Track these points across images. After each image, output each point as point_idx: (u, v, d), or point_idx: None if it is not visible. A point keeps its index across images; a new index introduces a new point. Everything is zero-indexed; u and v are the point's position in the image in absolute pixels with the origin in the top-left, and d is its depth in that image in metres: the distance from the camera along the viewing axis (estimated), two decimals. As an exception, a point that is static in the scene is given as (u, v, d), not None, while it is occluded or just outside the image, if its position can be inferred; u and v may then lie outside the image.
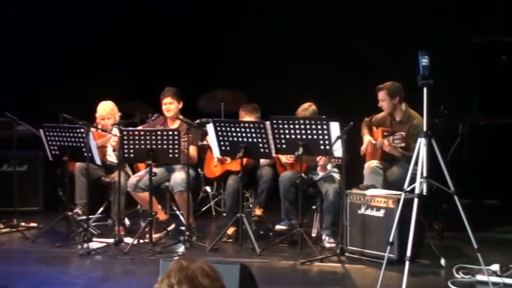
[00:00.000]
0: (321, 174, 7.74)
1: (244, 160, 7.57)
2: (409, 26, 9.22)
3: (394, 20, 9.36)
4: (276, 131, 7.25)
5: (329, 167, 7.72)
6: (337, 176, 7.73)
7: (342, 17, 9.64)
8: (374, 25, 9.55)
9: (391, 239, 6.08)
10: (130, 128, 7.81)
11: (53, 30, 9.83)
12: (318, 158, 7.56)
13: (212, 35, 10.21)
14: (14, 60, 9.68)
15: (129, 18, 10.12)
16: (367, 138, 7.75)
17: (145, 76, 9.93)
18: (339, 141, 7.02)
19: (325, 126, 7.07)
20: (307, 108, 7.82)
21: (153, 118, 8.18)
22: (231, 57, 10.04)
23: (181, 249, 7.49)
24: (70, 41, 9.93)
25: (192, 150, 7.84)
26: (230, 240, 7.80)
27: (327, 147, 7.11)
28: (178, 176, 7.84)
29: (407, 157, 7.36)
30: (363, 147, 7.74)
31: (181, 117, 8.03)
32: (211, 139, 7.66)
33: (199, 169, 8.59)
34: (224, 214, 8.69)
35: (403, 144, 7.23)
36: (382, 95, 7.59)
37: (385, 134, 7.53)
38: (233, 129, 7.42)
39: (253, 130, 7.35)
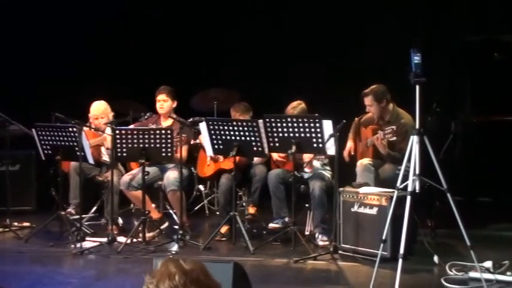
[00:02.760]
0: (308, 171, 7.73)
1: (237, 158, 7.57)
2: (403, 24, 9.23)
3: (388, 18, 9.37)
4: (269, 129, 7.25)
5: (317, 164, 7.72)
6: (327, 173, 7.74)
7: (336, 16, 9.64)
8: (368, 24, 9.55)
9: (384, 237, 6.10)
10: (123, 127, 7.80)
11: (45, 30, 9.81)
12: (307, 156, 7.58)
13: (205, 34, 10.21)
14: (6, 59, 9.65)
15: (123, 18, 10.11)
16: (348, 144, 7.76)
17: (139, 75, 9.92)
18: (332, 139, 7.02)
19: (318, 124, 7.07)
20: (296, 106, 7.82)
21: (146, 117, 8.17)
22: (223, 57, 10.04)
23: (174, 248, 7.48)
24: (62, 41, 9.91)
25: (183, 150, 7.84)
26: (223, 238, 7.80)
27: (320, 145, 7.12)
28: (171, 175, 7.84)
29: (393, 157, 7.39)
30: (345, 153, 7.73)
31: (174, 115, 8.03)
32: (204, 138, 7.66)
33: (192, 168, 8.59)
34: (217, 213, 8.69)
35: (394, 138, 7.22)
36: (368, 100, 7.57)
37: (377, 132, 7.53)
38: (226, 127, 7.42)
39: (246, 128, 7.36)
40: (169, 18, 10.26)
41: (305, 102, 7.86)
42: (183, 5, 10.23)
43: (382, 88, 7.56)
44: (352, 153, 7.72)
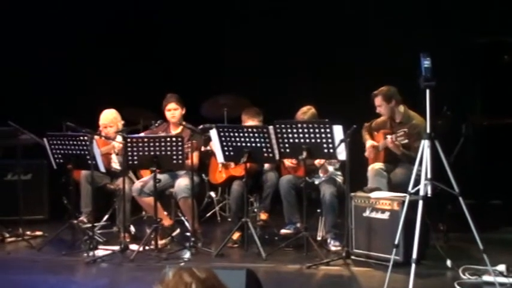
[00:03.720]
0: (322, 176, 7.74)
1: (248, 165, 7.57)
2: (411, 27, 9.22)
3: (395, 21, 9.36)
4: (279, 135, 7.25)
5: (331, 169, 7.72)
6: (339, 179, 7.74)
7: (344, 19, 9.64)
8: (374, 27, 9.56)
9: (396, 241, 6.08)
10: (134, 135, 7.82)
11: (54, 38, 9.85)
12: (316, 161, 7.59)
13: (214, 40, 10.22)
14: (17, 68, 9.69)
15: (131, 25, 10.14)
16: (369, 142, 7.77)
17: (148, 83, 9.95)
18: (343, 145, 7.02)
19: (328, 130, 7.06)
20: (306, 111, 7.82)
21: (156, 125, 8.19)
22: (232, 63, 10.03)
23: (187, 255, 7.49)
24: (72, 49, 9.93)
25: (194, 157, 7.83)
26: (235, 245, 7.80)
27: (331, 150, 7.11)
28: (183, 182, 7.85)
29: (408, 156, 7.39)
30: (366, 153, 7.76)
31: (184, 123, 8.04)
32: (215, 145, 7.67)
33: (203, 175, 8.60)
34: (229, 219, 8.70)
35: (406, 141, 7.23)
36: (378, 100, 7.60)
37: (386, 137, 7.54)
38: (236, 134, 7.43)
39: (256, 135, 7.36)
40: (178, 25, 10.28)
41: (316, 106, 7.85)
42: (191, 12, 10.24)
43: (391, 89, 7.60)
44: (376, 144, 7.71)
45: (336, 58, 9.55)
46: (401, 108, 7.63)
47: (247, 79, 9.80)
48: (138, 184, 7.99)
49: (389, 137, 7.47)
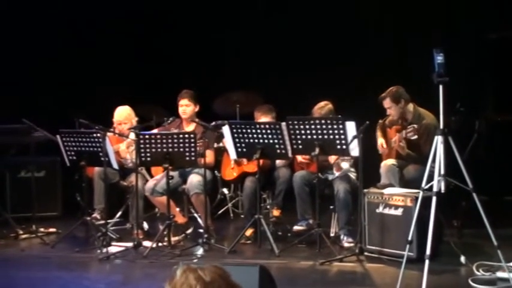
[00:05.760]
0: (336, 173, 7.73)
1: (261, 161, 7.56)
2: (423, 23, 9.19)
3: (408, 18, 9.33)
4: (292, 131, 7.24)
5: (346, 165, 7.70)
6: (352, 175, 7.72)
7: (355, 16, 9.63)
8: (387, 24, 9.53)
9: (410, 238, 6.06)
10: (146, 132, 7.83)
11: (68, 35, 9.89)
12: (329, 158, 7.57)
13: (226, 37, 10.21)
14: (29, 66, 9.72)
15: (144, 22, 10.15)
16: (380, 140, 7.75)
17: (161, 80, 9.96)
18: (356, 141, 7.00)
19: (341, 126, 7.05)
20: (323, 106, 7.81)
21: (169, 121, 8.19)
22: (244, 59, 10.03)
23: (200, 251, 7.51)
24: (85, 47, 9.96)
25: (209, 155, 7.83)
26: (248, 241, 7.80)
27: (343, 146, 7.10)
28: (195, 179, 7.85)
29: (412, 158, 7.37)
30: (379, 147, 7.75)
31: (197, 120, 8.04)
32: (228, 141, 7.67)
33: (216, 171, 8.60)
34: (242, 216, 8.70)
35: (416, 137, 7.19)
36: (387, 103, 7.56)
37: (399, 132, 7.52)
38: (249, 130, 7.42)
39: (269, 131, 7.35)
40: (191, 22, 10.28)
41: (331, 102, 7.84)
42: (203, 9, 10.24)
43: (399, 89, 7.55)
44: (385, 146, 7.69)
45: (350, 54, 9.52)
46: (411, 106, 7.57)
47: (260, 75, 9.79)
48: (150, 183, 7.99)
49: (393, 139, 7.47)
